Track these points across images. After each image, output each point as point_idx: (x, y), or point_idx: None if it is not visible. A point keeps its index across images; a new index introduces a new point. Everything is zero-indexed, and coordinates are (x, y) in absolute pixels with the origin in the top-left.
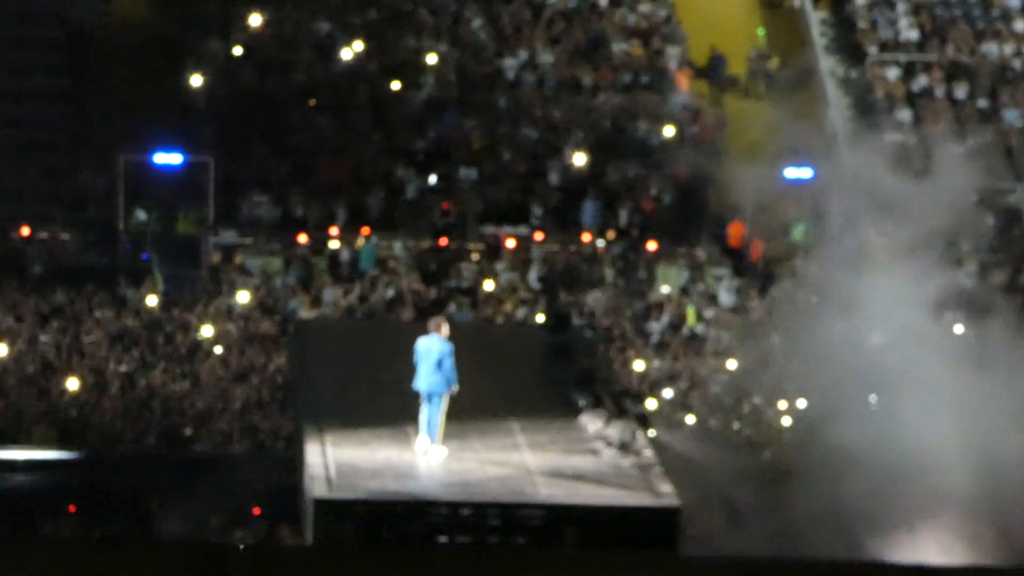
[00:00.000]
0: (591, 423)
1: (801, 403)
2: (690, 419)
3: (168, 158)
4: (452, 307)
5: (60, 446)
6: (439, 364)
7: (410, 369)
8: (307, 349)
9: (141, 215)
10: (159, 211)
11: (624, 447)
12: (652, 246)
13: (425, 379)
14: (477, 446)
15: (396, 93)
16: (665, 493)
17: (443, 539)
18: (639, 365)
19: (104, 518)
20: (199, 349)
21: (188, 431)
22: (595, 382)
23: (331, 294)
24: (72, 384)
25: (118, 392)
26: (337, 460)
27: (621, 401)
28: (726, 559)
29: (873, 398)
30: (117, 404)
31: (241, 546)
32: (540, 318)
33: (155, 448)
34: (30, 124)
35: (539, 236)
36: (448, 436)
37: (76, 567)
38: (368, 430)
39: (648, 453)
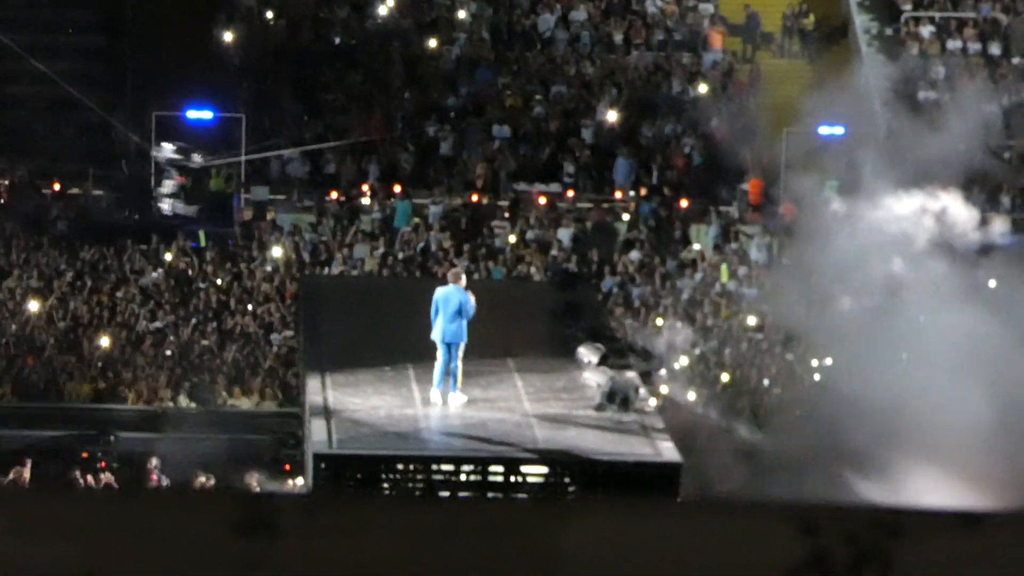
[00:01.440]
0: (594, 379)
1: (828, 360)
2: (724, 377)
3: (200, 114)
4: (484, 265)
5: (91, 402)
6: (458, 312)
7: (417, 325)
8: (314, 305)
9: (173, 172)
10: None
11: (626, 403)
12: (684, 204)
13: (443, 328)
14: (480, 401)
15: (429, 50)
16: (666, 448)
17: (445, 495)
18: (666, 323)
19: (136, 473)
20: (230, 306)
21: (219, 387)
22: (600, 339)
23: (362, 251)
24: (103, 341)
25: (150, 349)
26: (338, 415)
27: (626, 357)
28: (728, 504)
29: (904, 356)
30: (149, 361)
31: (284, 495)
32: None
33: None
34: (63, 80)
35: (571, 194)
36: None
37: (117, 517)
38: (371, 386)
39: (650, 409)
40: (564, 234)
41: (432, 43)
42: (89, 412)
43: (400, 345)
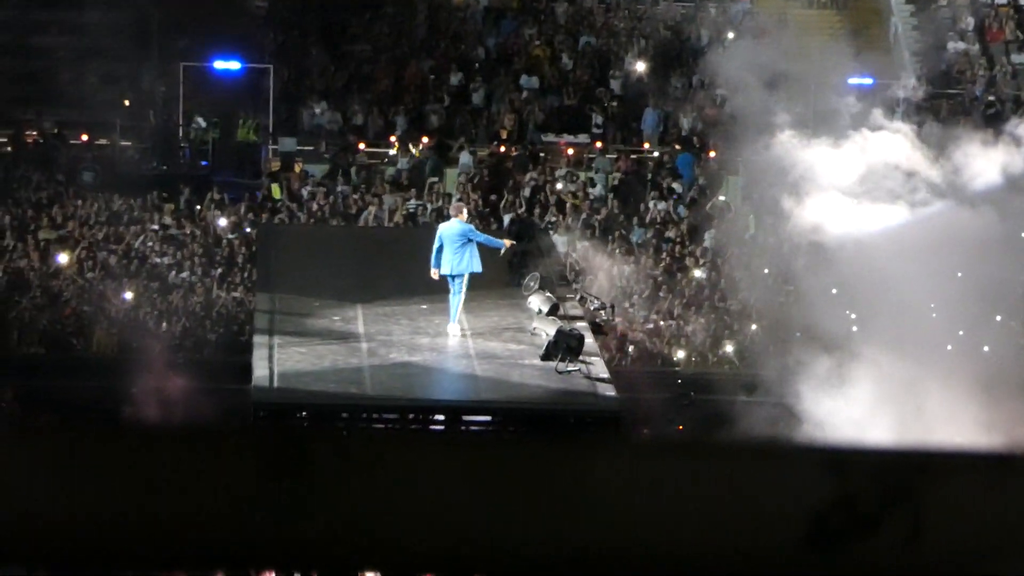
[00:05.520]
0: (543, 328)
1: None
2: (753, 327)
3: (227, 65)
4: (517, 215)
5: (119, 352)
6: (464, 244)
7: (369, 273)
8: (270, 254)
9: (200, 122)
10: (218, 119)
11: (571, 353)
12: (712, 154)
13: (448, 262)
14: (425, 350)
15: (456, 1)
16: (607, 397)
17: None
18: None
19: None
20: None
21: (244, 338)
22: (552, 288)
23: (390, 201)
24: (130, 293)
25: (178, 300)
26: (282, 364)
27: (579, 307)
28: (753, 444)
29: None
30: (177, 311)
31: (317, 432)
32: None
33: (212, 355)
34: (92, 30)
35: (599, 145)
36: (398, 340)
37: (149, 454)
38: (317, 335)
39: (596, 359)
40: (593, 185)
41: None
42: (116, 362)
43: (350, 293)
